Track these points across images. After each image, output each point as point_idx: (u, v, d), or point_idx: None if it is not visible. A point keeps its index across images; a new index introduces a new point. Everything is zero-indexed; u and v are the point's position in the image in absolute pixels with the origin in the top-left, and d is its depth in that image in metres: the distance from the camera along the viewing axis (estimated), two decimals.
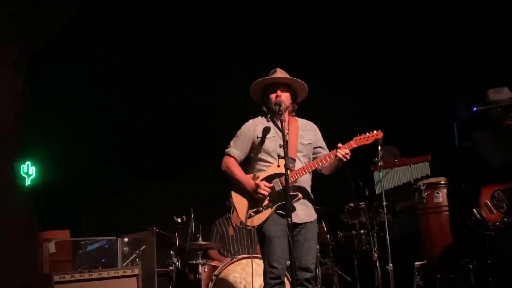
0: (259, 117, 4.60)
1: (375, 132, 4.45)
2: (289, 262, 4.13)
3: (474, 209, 5.21)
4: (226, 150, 4.55)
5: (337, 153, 4.32)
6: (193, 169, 7.79)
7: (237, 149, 4.51)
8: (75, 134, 8.34)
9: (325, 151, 4.63)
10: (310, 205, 4.51)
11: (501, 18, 6.98)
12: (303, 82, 4.52)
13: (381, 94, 7.83)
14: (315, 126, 4.72)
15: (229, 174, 4.48)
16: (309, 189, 4.54)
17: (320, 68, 7.74)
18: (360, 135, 4.42)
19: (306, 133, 4.60)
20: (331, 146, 4.52)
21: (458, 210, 5.83)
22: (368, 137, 4.42)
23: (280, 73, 4.54)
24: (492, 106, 5.24)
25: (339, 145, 4.38)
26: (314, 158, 4.58)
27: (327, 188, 6.56)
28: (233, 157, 4.50)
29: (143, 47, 8.07)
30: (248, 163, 4.56)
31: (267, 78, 4.53)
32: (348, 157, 4.34)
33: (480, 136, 5.31)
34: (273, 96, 4.46)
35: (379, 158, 5.59)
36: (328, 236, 6.93)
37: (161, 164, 8.32)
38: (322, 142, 4.68)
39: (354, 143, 4.38)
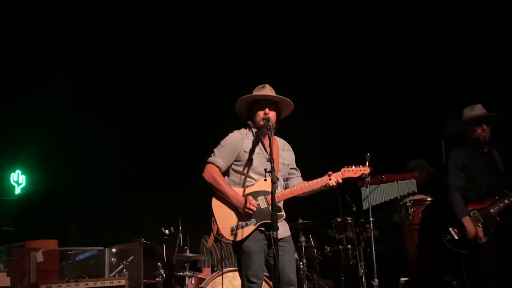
0: (244, 130, 4.57)
1: (363, 167, 4.52)
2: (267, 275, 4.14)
3: (450, 228, 5.28)
4: (211, 159, 4.46)
5: (331, 182, 4.37)
6: (181, 181, 7.81)
7: (222, 159, 4.44)
8: (66, 145, 8.39)
9: (297, 172, 4.67)
10: (285, 221, 4.54)
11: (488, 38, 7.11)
12: (290, 101, 4.53)
13: (368, 111, 7.92)
14: (291, 147, 4.73)
15: (213, 184, 4.38)
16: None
17: (306, 85, 7.83)
18: (348, 167, 4.48)
19: (285, 154, 4.63)
20: (317, 166, 4.56)
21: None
22: (356, 170, 4.49)
23: (269, 90, 4.53)
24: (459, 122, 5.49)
25: (330, 173, 4.43)
26: (287, 179, 4.62)
27: (315, 203, 6.63)
28: (218, 167, 4.43)
29: (130, 65, 8.17)
30: (225, 174, 4.50)
31: (257, 94, 4.54)
32: (336, 186, 4.40)
33: (455, 158, 5.42)
34: (261, 113, 4.45)
35: (367, 174, 5.64)
36: (315, 250, 6.98)
37: (150, 176, 8.35)
38: (295, 164, 4.70)
39: (342, 174, 4.44)
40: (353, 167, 4.49)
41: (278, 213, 4.31)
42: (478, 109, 5.41)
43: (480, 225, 5.16)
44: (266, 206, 4.33)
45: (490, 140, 5.43)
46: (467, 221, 5.16)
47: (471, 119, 5.39)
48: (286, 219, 4.54)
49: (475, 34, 7.30)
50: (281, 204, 4.48)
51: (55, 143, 8.40)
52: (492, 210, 5.18)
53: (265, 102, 4.49)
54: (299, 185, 4.48)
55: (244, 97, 4.52)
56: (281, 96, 4.52)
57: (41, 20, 8.03)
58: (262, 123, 4.42)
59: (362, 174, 5.10)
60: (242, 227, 4.31)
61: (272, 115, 4.46)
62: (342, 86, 7.90)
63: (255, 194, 4.36)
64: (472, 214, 5.21)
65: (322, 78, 7.96)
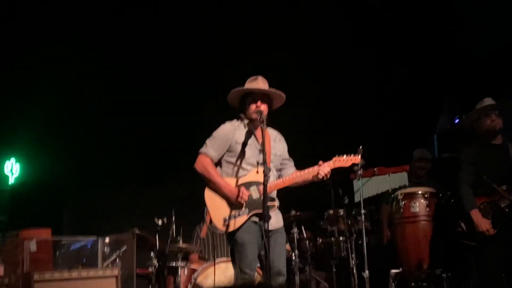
0: (235, 121, 4.62)
1: (353, 156, 4.59)
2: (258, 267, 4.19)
3: (460, 221, 5.32)
4: (203, 150, 4.51)
5: (320, 172, 4.42)
6: (175, 172, 7.84)
7: (214, 150, 4.49)
8: (60, 135, 8.38)
9: (290, 162, 4.73)
10: (279, 211, 4.58)
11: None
12: (282, 94, 4.57)
13: (362, 104, 7.94)
14: (283, 138, 4.79)
15: (205, 175, 4.44)
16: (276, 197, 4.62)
17: (300, 75, 7.83)
18: (339, 156, 4.54)
19: (277, 145, 4.68)
20: (310, 156, 4.61)
21: (435, 220, 5.94)
22: (347, 160, 4.56)
23: (261, 82, 4.56)
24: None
25: (321, 162, 4.47)
26: (280, 170, 4.67)
27: (308, 195, 6.66)
28: (210, 157, 4.49)
29: (128, 51, 8.13)
30: (217, 165, 4.55)
31: (248, 88, 4.55)
32: (328, 176, 4.45)
33: (467, 152, 5.43)
34: (253, 106, 4.49)
35: (359, 166, 5.68)
36: (307, 242, 7.02)
37: (144, 167, 8.37)
38: (287, 155, 4.76)
39: (333, 164, 4.50)
40: (344, 156, 4.55)
41: (271, 203, 4.36)
42: (487, 101, 5.41)
43: (489, 217, 5.19)
44: (258, 196, 4.38)
45: (503, 132, 5.41)
46: (475, 214, 5.18)
47: (478, 111, 5.39)
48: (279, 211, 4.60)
49: (473, 25, 7.31)
50: (274, 194, 4.52)
51: (50, 134, 8.39)
52: (502, 203, 5.20)
53: (257, 95, 4.52)
54: (291, 175, 4.54)
55: (236, 89, 4.55)
56: (273, 90, 4.55)
57: None
58: (254, 116, 4.46)
59: (354, 165, 5.18)
60: (234, 217, 4.36)
61: (264, 107, 4.50)
62: (336, 78, 7.91)
63: (247, 185, 4.41)
64: (482, 207, 5.24)
65: (316, 68, 7.97)
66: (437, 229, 5.82)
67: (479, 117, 5.40)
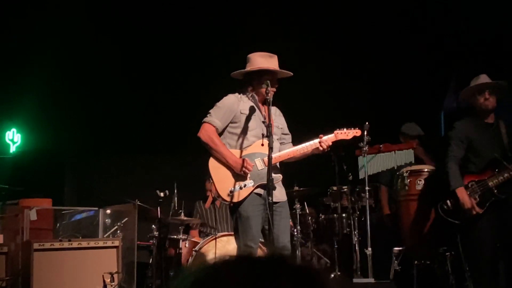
0: (238, 94, 4.57)
1: (354, 129, 4.62)
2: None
3: (447, 198, 5.26)
4: (207, 119, 4.46)
5: (322, 145, 4.42)
6: (178, 144, 7.79)
7: (218, 119, 4.45)
8: (62, 105, 8.31)
9: (288, 137, 4.73)
10: (282, 185, 4.55)
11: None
12: (291, 74, 4.56)
13: (369, 80, 7.84)
14: (281, 113, 4.77)
15: (210, 144, 4.40)
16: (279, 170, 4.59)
17: (305, 50, 7.72)
18: (340, 129, 4.56)
19: (278, 118, 4.68)
20: (315, 132, 4.57)
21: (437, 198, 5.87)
22: (348, 133, 4.59)
23: (276, 61, 4.54)
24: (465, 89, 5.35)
25: (321, 136, 4.44)
26: (280, 144, 4.64)
27: (311, 171, 6.61)
28: (215, 127, 4.44)
29: (135, 14, 8.02)
30: (219, 136, 4.51)
31: (276, 69, 4.50)
32: (329, 149, 4.45)
33: (458, 128, 5.33)
34: (270, 86, 4.38)
35: (365, 143, 5.61)
36: (310, 218, 6.99)
37: (147, 138, 8.32)
38: (287, 129, 4.76)
39: (335, 137, 4.54)
40: (345, 129, 4.54)
41: (275, 175, 4.32)
42: (482, 79, 5.29)
43: (477, 197, 5.12)
44: (263, 167, 4.34)
45: (496, 110, 5.30)
46: (460, 192, 5.10)
47: (472, 88, 5.30)
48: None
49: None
50: (277, 166, 4.49)
51: (51, 103, 8.32)
52: (490, 183, 5.11)
53: (274, 75, 4.50)
54: (293, 148, 4.54)
55: (261, 68, 4.47)
56: (290, 73, 4.53)
57: None
58: (264, 91, 4.39)
59: (359, 141, 5.12)
60: (240, 188, 4.33)
61: None
62: (342, 55, 7.80)
63: (251, 156, 4.38)
64: (470, 186, 5.16)
65: (320, 45, 7.86)
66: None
67: (473, 94, 5.30)
